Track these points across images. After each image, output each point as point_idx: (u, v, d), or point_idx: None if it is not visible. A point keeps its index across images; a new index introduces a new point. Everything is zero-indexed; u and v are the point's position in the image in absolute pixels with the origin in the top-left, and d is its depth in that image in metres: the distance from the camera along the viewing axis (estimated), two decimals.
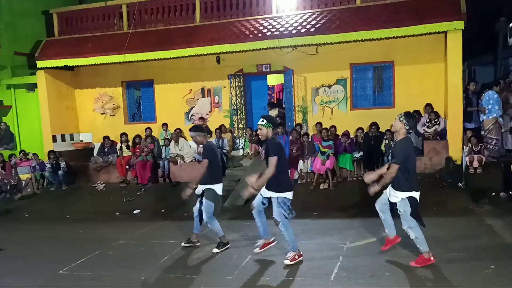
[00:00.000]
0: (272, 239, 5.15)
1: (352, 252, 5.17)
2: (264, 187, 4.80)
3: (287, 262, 4.79)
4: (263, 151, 5.00)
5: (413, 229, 4.45)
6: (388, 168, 4.49)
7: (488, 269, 4.39)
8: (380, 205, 4.70)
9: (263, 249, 5.10)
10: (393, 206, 4.60)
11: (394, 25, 8.36)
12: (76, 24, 10.81)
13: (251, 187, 4.73)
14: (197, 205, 5.53)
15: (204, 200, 5.38)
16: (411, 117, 4.51)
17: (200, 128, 5.69)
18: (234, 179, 8.93)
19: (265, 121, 4.75)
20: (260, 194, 4.89)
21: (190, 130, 5.60)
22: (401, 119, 4.43)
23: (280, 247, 5.42)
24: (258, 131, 4.85)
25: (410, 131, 4.60)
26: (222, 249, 5.43)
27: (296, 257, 4.83)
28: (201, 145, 5.79)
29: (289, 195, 4.75)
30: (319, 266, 4.75)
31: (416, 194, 4.44)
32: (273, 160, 4.60)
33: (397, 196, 4.45)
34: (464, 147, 8.23)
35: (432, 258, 4.51)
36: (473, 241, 5.30)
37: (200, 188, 5.42)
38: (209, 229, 5.69)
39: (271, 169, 4.60)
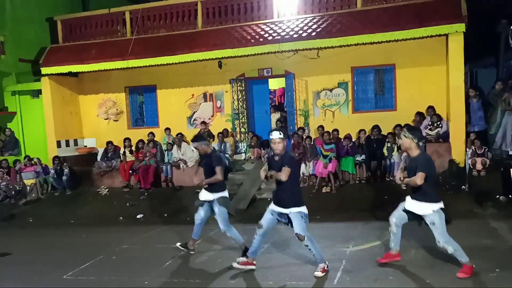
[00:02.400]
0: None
1: (355, 256, 5.16)
2: (278, 205, 4.60)
3: (318, 274, 4.57)
4: (267, 157, 4.91)
5: (449, 242, 4.32)
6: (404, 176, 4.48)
7: (493, 272, 4.39)
8: (399, 220, 4.59)
9: (242, 266, 4.86)
10: (412, 220, 4.56)
11: (395, 28, 8.39)
12: (80, 31, 10.91)
13: (267, 174, 4.58)
14: (201, 213, 5.41)
15: (218, 208, 5.24)
16: (415, 129, 4.50)
17: (202, 137, 5.60)
18: (237, 183, 8.96)
19: (282, 134, 4.53)
20: (271, 213, 4.65)
21: (193, 141, 5.47)
22: (405, 135, 4.35)
23: (282, 251, 5.43)
24: (277, 145, 4.49)
25: (420, 143, 4.48)
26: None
27: (326, 267, 4.63)
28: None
29: (306, 209, 4.63)
30: None
31: (442, 205, 4.42)
32: (287, 170, 4.43)
33: (428, 208, 4.33)
34: (467, 149, 8.21)
35: (473, 265, 4.39)
36: (477, 244, 5.27)
37: (211, 197, 5.28)
38: (212, 232, 5.69)
39: (284, 176, 4.43)
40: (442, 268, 4.58)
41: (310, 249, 4.59)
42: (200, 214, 5.45)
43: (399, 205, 4.65)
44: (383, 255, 4.85)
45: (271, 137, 4.54)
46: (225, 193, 5.36)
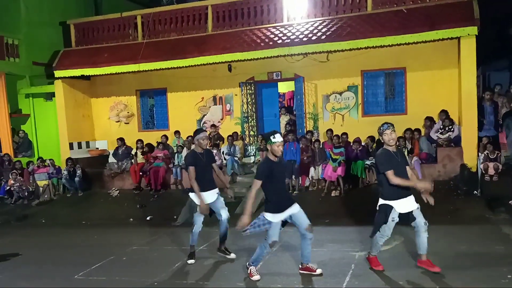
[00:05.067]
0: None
1: (364, 260, 5.11)
2: (285, 209, 4.52)
3: (320, 270, 4.69)
4: (264, 164, 4.62)
5: None
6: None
7: (505, 279, 4.32)
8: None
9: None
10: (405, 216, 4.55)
11: (405, 32, 8.34)
12: (92, 35, 11.10)
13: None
14: (202, 218, 5.20)
15: (223, 200, 5.31)
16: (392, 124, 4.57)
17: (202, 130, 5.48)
18: (246, 186, 8.98)
19: (281, 137, 4.54)
20: (279, 224, 4.53)
21: (197, 133, 5.33)
22: (394, 129, 4.48)
23: (290, 254, 5.42)
24: (281, 148, 4.48)
25: None
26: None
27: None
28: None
29: None
30: (331, 274, 4.73)
31: None
32: None
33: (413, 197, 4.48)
34: (480, 154, 8.10)
35: None
36: (489, 250, 5.20)
37: (214, 193, 5.27)
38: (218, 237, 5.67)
39: None
40: (453, 272, 4.52)
41: (310, 244, 4.61)
42: (201, 219, 5.23)
43: (389, 220, 4.42)
44: (374, 262, 4.76)
45: (274, 140, 4.45)
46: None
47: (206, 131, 5.52)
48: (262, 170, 4.53)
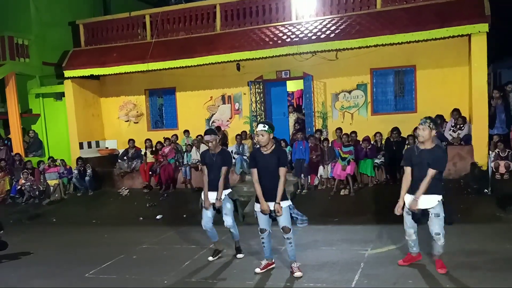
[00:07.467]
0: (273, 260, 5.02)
1: (374, 259, 5.11)
2: (268, 201, 4.56)
3: (300, 274, 4.67)
4: (251, 152, 4.70)
5: (444, 235, 4.41)
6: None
7: None
8: (413, 226, 4.58)
9: (264, 270, 4.88)
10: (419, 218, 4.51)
11: (415, 29, 8.26)
12: (101, 35, 11.18)
13: (278, 203, 4.52)
14: (210, 214, 5.23)
15: (230, 203, 5.25)
16: (436, 121, 4.49)
17: (214, 131, 5.39)
18: None
19: (267, 126, 4.52)
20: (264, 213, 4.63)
21: (207, 133, 5.25)
22: (431, 126, 4.33)
23: (298, 253, 5.42)
24: (260, 138, 4.49)
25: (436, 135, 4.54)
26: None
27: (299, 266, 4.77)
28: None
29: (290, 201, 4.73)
30: (340, 273, 4.73)
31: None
32: (285, 170, 4.59)
33: (434, 199, 4.37)
34: (490, 152, 8.01)
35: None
36: (500, 250, 5.15)
37: (221, 194, 5.26)
38: (226, 236, 5.71)
39: (284, 179, 4.59)
40: (464, 271, 4.49)
41: (290, 243, 4.65)
42: (209, 215, 5.25)
43: (405, 213, 4.58)
44: (404, 258, 4.83)
45: (255, 129, 4.59)
46: (230, 188, 5.38)
47: (213, 131, 5.38)
48: (249, 158, 4.70)
